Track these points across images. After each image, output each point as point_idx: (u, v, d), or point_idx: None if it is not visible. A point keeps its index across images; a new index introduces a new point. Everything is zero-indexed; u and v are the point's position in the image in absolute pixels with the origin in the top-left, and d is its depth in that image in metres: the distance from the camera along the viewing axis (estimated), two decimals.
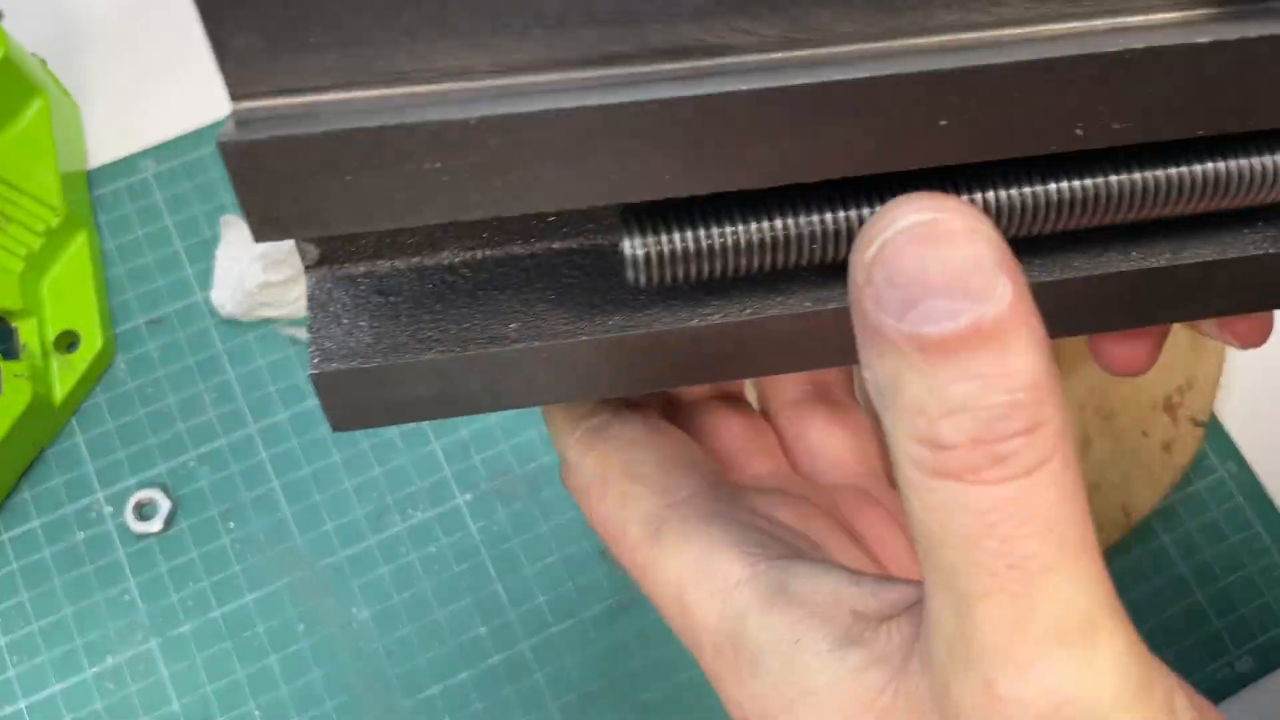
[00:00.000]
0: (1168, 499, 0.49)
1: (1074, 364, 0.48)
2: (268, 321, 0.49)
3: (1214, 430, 0.50)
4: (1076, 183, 0.21)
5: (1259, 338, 0.27)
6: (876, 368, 0.17)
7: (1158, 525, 0.48)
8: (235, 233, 0.49)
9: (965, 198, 0.21)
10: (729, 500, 0.25)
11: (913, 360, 0.17)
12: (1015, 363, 0.17)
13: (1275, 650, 0.47)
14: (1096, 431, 0.47)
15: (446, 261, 0.24)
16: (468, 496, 0.47)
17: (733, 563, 0.23)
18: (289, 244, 0.46)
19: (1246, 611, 0.47)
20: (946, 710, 0.18)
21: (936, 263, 0.16)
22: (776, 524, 0.25)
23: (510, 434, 0.48)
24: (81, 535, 0.46)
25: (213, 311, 0.49)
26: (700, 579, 0.23)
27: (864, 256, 0.17)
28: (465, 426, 0.48)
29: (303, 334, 0.49)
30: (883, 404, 0.18)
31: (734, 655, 0.22)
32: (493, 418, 0.48)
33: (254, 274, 0.47)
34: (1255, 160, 0.22)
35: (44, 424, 0.46)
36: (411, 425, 0.48)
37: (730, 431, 0.28)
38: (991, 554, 0.17)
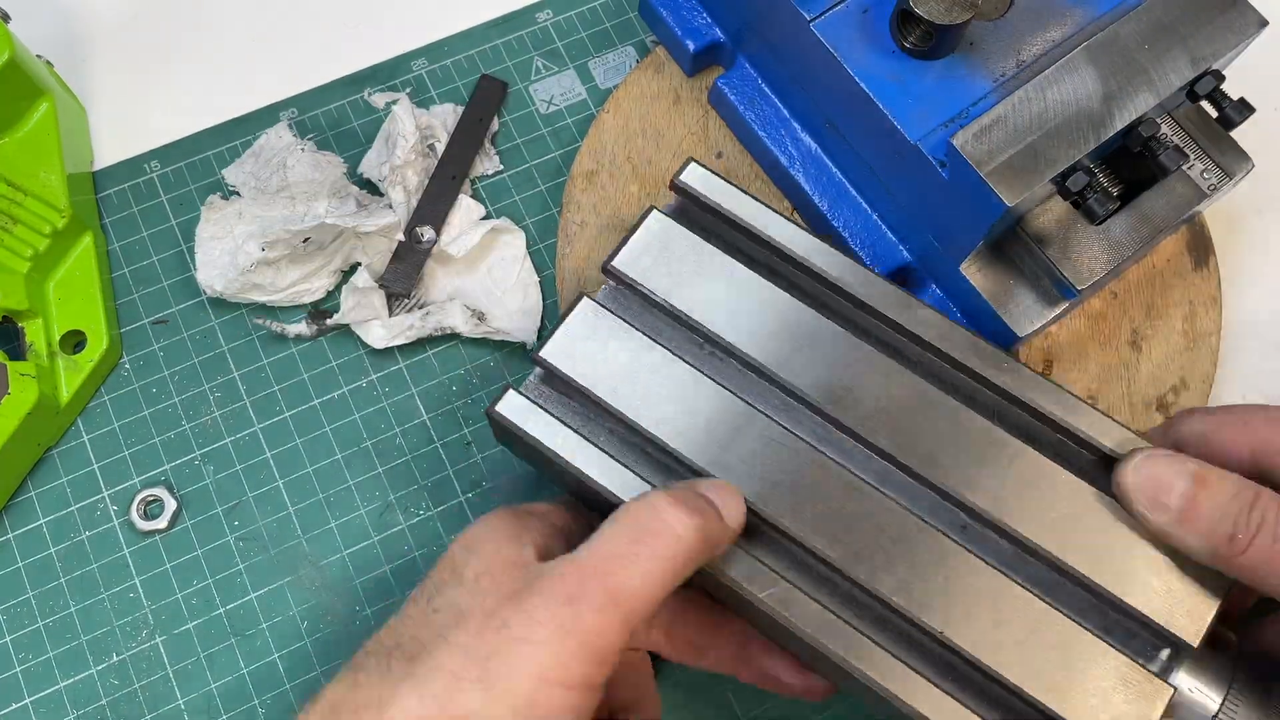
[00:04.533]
0: None
1: (1071, 361, 0.49)
2: (263, 309, 0.49)
3: None
4: None
5: None
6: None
7: None
8: (216, 212, 0.49)
9: None
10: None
11: None
12: None
13: None
14: None
15: None
16: (469, 495, 0.48)
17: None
18: (289, 222, 0.46)
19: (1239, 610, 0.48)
20: None
21: None
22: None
23: None
24: (87, 533, 0.46)
25: (210, 302, 0.49)
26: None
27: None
28: (467, 426, 0.49)
29: (295, 329, 0.49)
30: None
31: None
32: None
33: (250, 251, 0.47)
34: None
35: (50, 423, 0.47)
36: (414, 422, 0.48)
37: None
38: None
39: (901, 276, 0.48)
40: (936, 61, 0.42)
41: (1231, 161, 0.45)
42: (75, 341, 0.48)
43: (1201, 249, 0.51)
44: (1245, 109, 0.42)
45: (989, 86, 0.42)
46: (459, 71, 0.55)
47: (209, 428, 0.48)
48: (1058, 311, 0.44)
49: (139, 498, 0.47)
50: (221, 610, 0.46)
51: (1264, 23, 0.41)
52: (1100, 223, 0.42)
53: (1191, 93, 0.41)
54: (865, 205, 0.48)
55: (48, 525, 0.46)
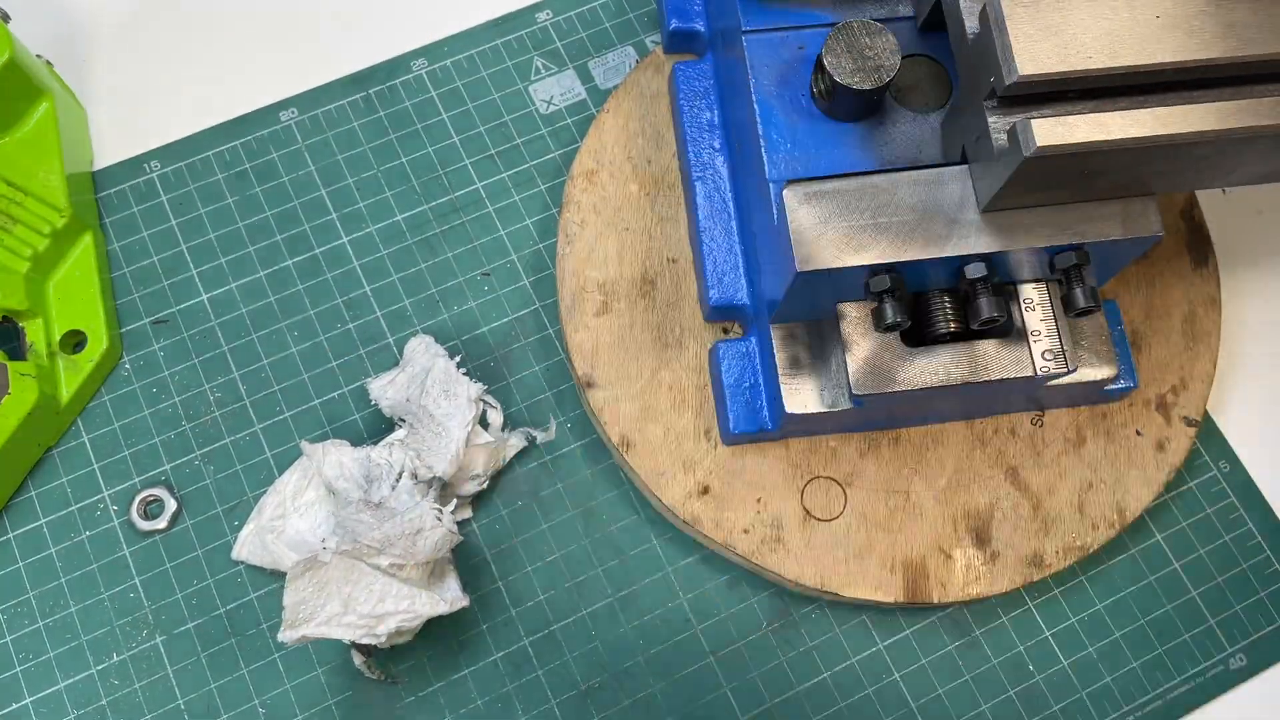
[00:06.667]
0: (1161, 497, 0.49)
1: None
2: (274, 334, 0.49)
3: (1207, 429, 0.51)
4: None
5: None
6: None
7: (1152, 523, 0.49)
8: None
9: None
10: None
11: None
12: None
13: (1269, 648, 0.47)
14: (1090, 430, 0.48)
15: None
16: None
17: None
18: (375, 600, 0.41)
19: (1240, 609, 0.48)
20: None
21: None
22: None
23: None
24: (87, 533, 0.46)
25: (210, 301, 0.50)
26: None
27: None
28: None
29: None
30: None
31: None
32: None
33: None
34: None
35: (50, 423, 0.47)
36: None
37: None
38: None
39: (733, 316, 0.47)
40: (837, 122, 0.41)
41: (1092, 357, 0.43)
42: (75, 341, 0.48)
43: (1201, 249, 0.51)
44: (1093, 302, 0.39)
45: (869, 166, 0.40)
46: (459, 71, 0.55)
47: (209, 428, 0.48)
48: (834, 410, 0.43)
49: (139, 498, 0.47)
50: (221, 610, 0.46)
51: (1159, 235, 0.39)
52: (885, 331, 0.39)
53: (1052, 263, 0.39)
54: (735, 236, 0.47)
55: (48, 525, 0.46)
